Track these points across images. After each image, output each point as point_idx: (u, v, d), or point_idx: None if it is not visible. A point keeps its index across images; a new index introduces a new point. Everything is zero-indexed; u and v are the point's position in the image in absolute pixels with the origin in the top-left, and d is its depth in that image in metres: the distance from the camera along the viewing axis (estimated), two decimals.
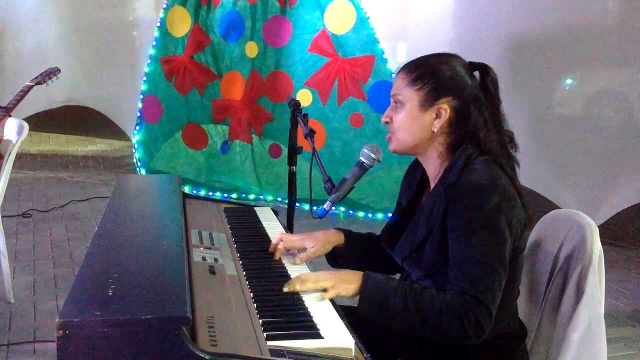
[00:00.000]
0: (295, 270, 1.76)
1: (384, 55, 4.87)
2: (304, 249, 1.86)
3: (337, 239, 1.89)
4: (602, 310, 1.66)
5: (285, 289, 1.58)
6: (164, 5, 5.23)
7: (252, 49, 5.17)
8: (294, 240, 1.87)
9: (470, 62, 1.69)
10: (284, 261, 1.83)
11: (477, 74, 1.69)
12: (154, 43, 5.31)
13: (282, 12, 5.06)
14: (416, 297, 1.52)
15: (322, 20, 4.96)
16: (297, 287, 1.57)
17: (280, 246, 1.85)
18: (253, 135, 5.32)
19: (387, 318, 1.54)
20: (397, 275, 1.83)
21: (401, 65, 1.71)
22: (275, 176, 5.24)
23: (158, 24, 5.28)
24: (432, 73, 1.63)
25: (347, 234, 1.92)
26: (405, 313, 1.51)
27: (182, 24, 5.24)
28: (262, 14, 5.10)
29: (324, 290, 1.58)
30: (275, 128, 5.22)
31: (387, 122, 1.69)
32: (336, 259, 1.92)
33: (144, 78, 5.39)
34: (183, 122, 5.39)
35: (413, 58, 1.71)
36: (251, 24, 5.13)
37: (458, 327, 1.47)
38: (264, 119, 5.26)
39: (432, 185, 1.70)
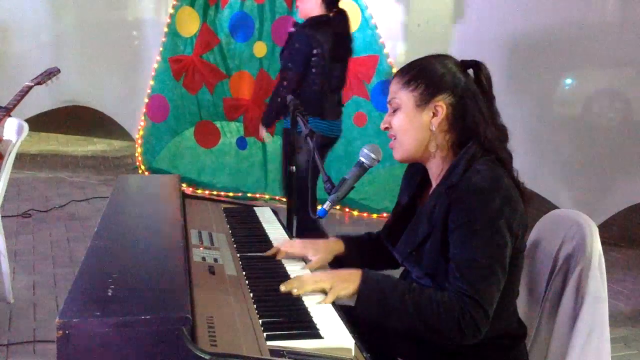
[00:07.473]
0: (294, 271, 1.76)
1: (385, 51, 4.87)
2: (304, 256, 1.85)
3: (338, 247, 1.87)
4: (606, 310, 1.67)
5: (282, 288, 1.57)
6: (175, 2, 5.23)
7: (260, 49, 5.18)
8: (295, 247, 1.86)
9: (462, 61, 1.70)
10: (283, 261, 1.83)
11: (470, 72, 1.69)
12: (164, 40, 5.30)
13: (290, 12, 5.06)
14: (414, 296, 1.52)
15: None
16: (295, 291, 1.57)
17: (282, 250, 1.85)
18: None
19: (385, 317, 1.54)
20: (400, 269, 1.83)
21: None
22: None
23: (168, 23, 5.28)
24: (424, 72, 1.64)
25: (347, 240, 1.90)
26: (403, 313, 1.52)
27: (190, 24, 5.25)
28: (270, 14, 5.11)
29: (323, 291, 1.58)
30: None
31: (387, 129, 1.70)
32: (338, 266, 1.91)
33: (152, 74, 5.38)
34: (195, 119, 5.41)
35: (413, 58, 1.71)
36: (259, 24, 5.14)
37: (455, 328, 1.48)
38: None
39: (435, 184, 1.70)
